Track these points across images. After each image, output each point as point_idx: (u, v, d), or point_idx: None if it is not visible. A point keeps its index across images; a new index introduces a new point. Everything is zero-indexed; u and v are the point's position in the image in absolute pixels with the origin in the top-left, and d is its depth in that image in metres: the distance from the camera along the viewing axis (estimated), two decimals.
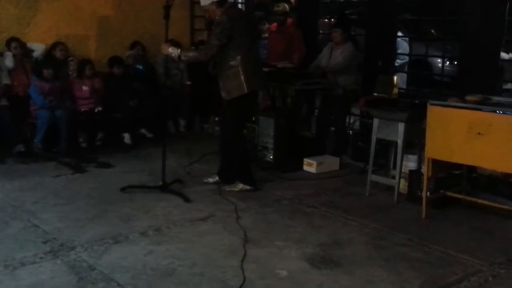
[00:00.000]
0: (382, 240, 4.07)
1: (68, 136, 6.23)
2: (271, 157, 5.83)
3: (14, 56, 6.29)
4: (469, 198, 4.65)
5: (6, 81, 6.21)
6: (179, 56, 4.87)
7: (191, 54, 5.12)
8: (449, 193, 4.70)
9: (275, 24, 7.23)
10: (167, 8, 4.69)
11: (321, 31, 7.81)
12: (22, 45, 6.42)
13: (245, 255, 3.70)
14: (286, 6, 7.23)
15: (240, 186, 5.05)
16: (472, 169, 4.79)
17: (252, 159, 6.01)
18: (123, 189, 4.90)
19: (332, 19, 7.29)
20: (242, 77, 4.84)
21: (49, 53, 6.65)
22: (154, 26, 6.90)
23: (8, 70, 6.24)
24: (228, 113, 5.04)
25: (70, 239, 3.89)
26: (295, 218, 4.47)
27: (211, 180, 5.25)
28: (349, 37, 6.30)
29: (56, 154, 6.10)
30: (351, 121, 6.78)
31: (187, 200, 4.75)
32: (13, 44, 6.32)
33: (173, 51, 4.87)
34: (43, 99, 6.12)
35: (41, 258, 3.58)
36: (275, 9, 7.16)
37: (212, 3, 4.80)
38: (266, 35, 7.85)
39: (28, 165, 5.76)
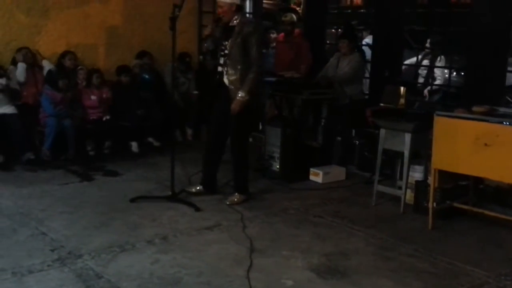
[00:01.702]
0: (388, 250, 4.07)
1: (75, 145, 6.28)
2: (278, 166, 5.84)
3: (26, 66, 6.34)
4: (475, 209, 4.64)
5: (15, 86, 6.28)
6: (248, 94, 4.74)
7: (251, 83, 4.75)
8: (455, 204, 4.70)
9: (282, 34, 7.28)
10: (173, 20, 4.67)
11: (328, 41, 7.84)
12: (33, 54, 6.49)
13: (251, 264, 3.71)
14: (294, 16, 7.28)
15: (242, 197, 5.04)
16: (478, 180, 4.78)
17: (258, 168, 6.07)
18: (133, 200, 4.92)
19: (339, 30, 7.32)
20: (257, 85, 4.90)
21: (59, 62, 6.71)
22: (162, 36, 6.92)
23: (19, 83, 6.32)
24: (238, 118, 4.86)
25: (78, 247, 3.92)
26: (301, 228, 4.48)
27: (193, 189, 5.20)
28: (356, 47, 6.33)
29: (64, 162, 6.15)
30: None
31: (197, 209, 4.77)
32: (23, 51, 6.37)
33: (243, 97, 4.74)
34: (53, 108, 6.17)
35: (48, 265, 3.61)
36: (283, 19, 7.21)
37: (233, 4, 4.77)
38: (274, 44, 7.91)
39: (37, 173, 5.81)
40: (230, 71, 4.82)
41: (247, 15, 8.04)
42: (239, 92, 4.76)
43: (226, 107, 4.87)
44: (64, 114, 6.26)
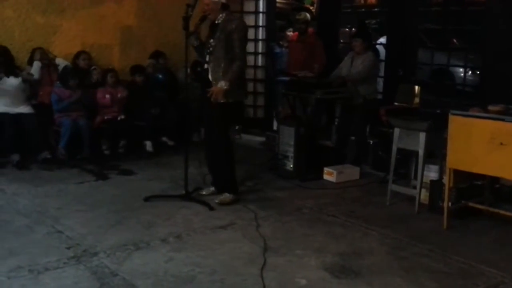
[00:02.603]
0: (402, 250, 4.05)
1: (90, 144, 6.34)
2: (291, 166, 5.85)
3: (42, 65, 6.41)
4: (491, 209, 4.61)
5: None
6: (229, 84, 4.71)
7: (233, 74, 4.76)
8: (471, 204, 4.66)
9: (296, 34, 7.27)
10: (186, 19, 4.69)
11: (342, 41, 7.83)
12: (48, 55, 6.56)
13: (264, 263, 3.71)
14: (307, 15, 7.27)
15: (230, 196, 4.99)
16: (494, 179, 4.74)
17: (272, 168, 6.08)
18: (147, 199, 4.96)
19: (353, 29, 7.31)
20: (240, 83, 4.93)
21: (73, 62, 6.78)
22: (176, 35, 6.95)
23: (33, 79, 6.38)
24: (220, 116, 4.87)
25: (93, 245, 3.95)
26: (315, 227, 4.48)
27: (205, 192, 5.18)
28: (370, 46, 6.31)
29: (80, 161, 6.20)
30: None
31: (211, 208, 4.79)
32: (38, 51, 6.44)
33: (223, 86, 4.71)
34: (57, 104, 6.25)
35: (64, 263, 3.64)
36: (297, 17, 7.21)
37: (218, 2, 4.77)
38: (286, 44, 7.93)
39: (53, 171, 5.87)
40: (214, 68, 4.82)
41: (261, 15, 8.07)
42: (221, 81, 4.74)
43: (209, 104, 4.85)
44: (75, 112, 6.31)
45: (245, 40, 4.91)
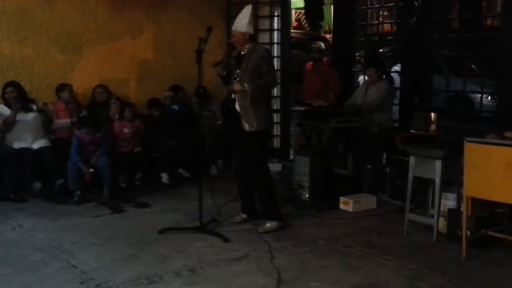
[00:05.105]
0: (420, 281, 3.95)
1: (111, 184, 6.20)
2: (307, 195, 5.80)
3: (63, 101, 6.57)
4: (511, 238, 4.48)
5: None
6: (253, 92, 4.81)
7: (261, 84, 4.88)
8: (490, 233, 4.55)
9: (310, 63, 7.30)
10: (199, 53, 4.80)
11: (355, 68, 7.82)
12: (72, 91, 6.67)
13: None
14: (322, 44, 7.33)
15: (274, 223, 5.03)
16: None
17: (288, 198, 6.03)
18: (161, 232, 4.96)
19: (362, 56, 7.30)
20: (268, 110, 5.12)
21: (92, 97, 6.90)
22: (192, 68, 6.96)
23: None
24: (254, 146, 5.00)
25: (106, 279, 3.95)
26: (330, 258, 4.41)
27: (238, 219, 5.25)
28: (384, 74, 6.31)
29: (97, 196, 6.15)
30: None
31: (226, 240, 4.77)
32: (66, 88, 6.60)
33: (246, 88, 4.82)
34: (76, 156, 6.05)
35: None
36: (312, 46, 7.27)
37: (245, 33, 4.92)
38: None
39: (69, 205, 5.90)
40: (241, 98, 4.91)
41: (275, 45, 8.12)
42: (248, 86, 4.82)
43: (241, 134, 4.98)
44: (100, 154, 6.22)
45: (273, 66, 5.11)
